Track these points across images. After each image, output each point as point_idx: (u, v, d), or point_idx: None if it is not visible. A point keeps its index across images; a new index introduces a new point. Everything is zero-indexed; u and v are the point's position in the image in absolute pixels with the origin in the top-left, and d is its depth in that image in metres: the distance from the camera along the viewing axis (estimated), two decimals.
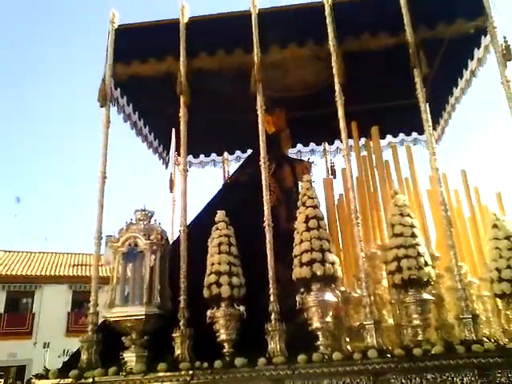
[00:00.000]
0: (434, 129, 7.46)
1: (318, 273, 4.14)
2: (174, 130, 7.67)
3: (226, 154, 8.22)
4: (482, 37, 5.34)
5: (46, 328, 20.42)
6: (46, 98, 48.98)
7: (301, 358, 3.88)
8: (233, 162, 8.18)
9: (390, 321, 4.53)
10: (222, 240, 4.49)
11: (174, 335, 4.21)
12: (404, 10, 5.12)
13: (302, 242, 4.33)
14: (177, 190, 7.49)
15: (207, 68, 5.48)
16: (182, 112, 5.23)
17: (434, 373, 3.80)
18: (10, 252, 24.28)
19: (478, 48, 5.49)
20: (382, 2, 5.38)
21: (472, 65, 5.64)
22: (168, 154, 7.85)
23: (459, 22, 5.09)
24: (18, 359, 19.78)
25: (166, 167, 7.82)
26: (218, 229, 4.59)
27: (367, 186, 5.31)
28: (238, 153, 8.20)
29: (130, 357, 4.10)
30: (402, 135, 7.75)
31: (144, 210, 4.75)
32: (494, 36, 5.03)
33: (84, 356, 4.19)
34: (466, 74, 5.81)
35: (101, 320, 4.53)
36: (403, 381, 3.82)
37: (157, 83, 6.09)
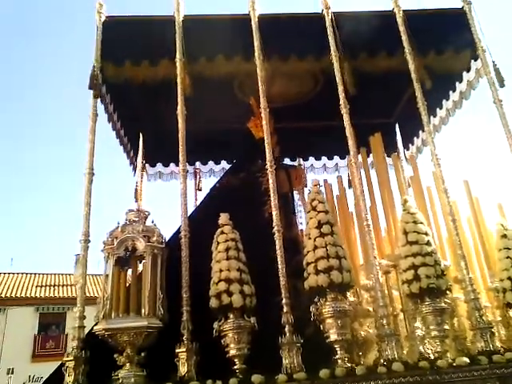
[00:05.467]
0: (407, 148, 7.71)
1: (337, 281, 3.90)
2: (141, 135, 7.29)
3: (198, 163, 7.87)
4: (472, 61, 5.54)
5: (10, 353, 18.58)
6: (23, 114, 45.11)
7: (323, 372, 3.58)
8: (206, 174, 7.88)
9: None
10: (229, 245, 4.11)
11: (177, 351, 3.73)
12: (402, 29, 5.25)
13: (316, 248, 4.08)
14: (144, 198, 7.12)
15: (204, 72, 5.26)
16: (180, 109, 4.86)
17: None
18: None
19: (468, 71, 5.66)
20: (380, 20, 5.46)
21: (461, 86, 5.80)
22: (136, 159, 7.38)
23: (450, 53, 5.30)
24: None
25: (135, 174, 7.33)
26: (223, 232, 4.21)
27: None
28: (211, 164, 7.91)
29: (126, 377, 3.55)
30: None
31: (138, 210, 4.28)
32: (484, 61, 5.27)
33: (70, 378, 3.55)
34: (454, 96, 5.96)
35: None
36: None
37: (140, 84, 5.66)
